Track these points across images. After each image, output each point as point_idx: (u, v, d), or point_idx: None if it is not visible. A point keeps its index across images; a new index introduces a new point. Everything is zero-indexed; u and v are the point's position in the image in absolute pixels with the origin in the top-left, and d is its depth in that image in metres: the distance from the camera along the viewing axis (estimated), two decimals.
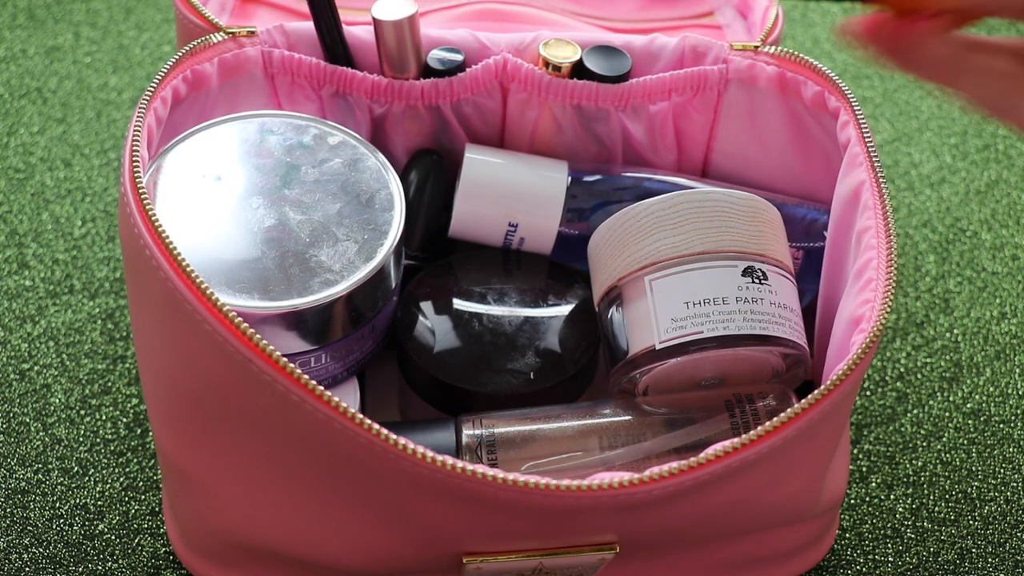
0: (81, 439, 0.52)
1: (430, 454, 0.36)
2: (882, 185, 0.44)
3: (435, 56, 0.51)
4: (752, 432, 0.38)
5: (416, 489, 0.38)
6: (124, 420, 0.53)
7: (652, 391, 0.45)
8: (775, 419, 0.38)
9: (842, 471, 0.47)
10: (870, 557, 0.50)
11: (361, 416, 0.36)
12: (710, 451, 0.38)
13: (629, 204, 0.46)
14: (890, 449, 0.54)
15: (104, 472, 0.51)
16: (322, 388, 0.36)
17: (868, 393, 0.57)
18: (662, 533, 0.41)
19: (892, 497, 0.52)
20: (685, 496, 0.38)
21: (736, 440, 0.38)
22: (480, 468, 0.36)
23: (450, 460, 0.36)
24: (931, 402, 0.56)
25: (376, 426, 0.36)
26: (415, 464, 0.36)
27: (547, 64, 0.51)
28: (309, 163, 0.47)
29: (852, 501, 0.52)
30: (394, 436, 0.36)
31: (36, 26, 0.73)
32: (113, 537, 0.49)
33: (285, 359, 0.36)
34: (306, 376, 0.36)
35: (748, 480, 0.39)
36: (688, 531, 0.41)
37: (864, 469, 0.53)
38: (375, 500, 0.39)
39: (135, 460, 0.51)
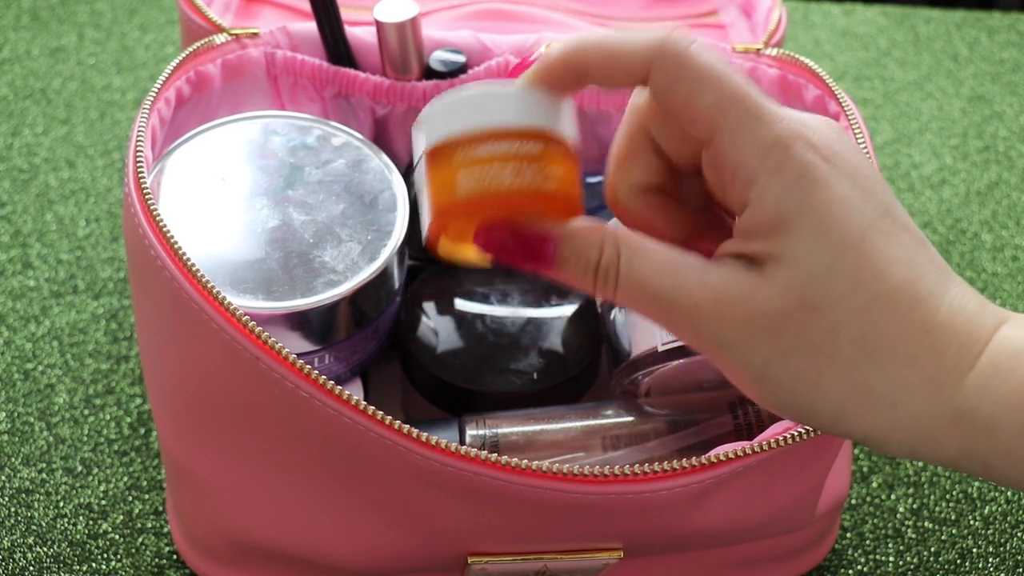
0: (85, 439, 0.52)
1: (444, 441, 0.36)
2: None
3: (437, 58, 0.51)
4: (765, 443, 0.38)
5: (425, 483, 0.38)
6: (128, 420, 0.53)
7: (655, 392, 0.46)
8: (786, 434, 0.38)
9: (844, 473, 0.47)
10: (871, 557, 0.50)
11: (373, 408, 0.36)
12: (719, 451, 0.38)
13: None
14: None
15: (108, 472, 0.51)
16: (332, 382, 0.36)
17: None
18: (665, 539, 0.41)
19: (893, 497, 0.53)
20: (691, 497, 0.38)
21: (747, 446, 0.38)
22: (492, 455, 0.37)
23: (463, 447, 0.36)
24: None
25: (389, 417, 0.36)
26: (425, 457, 0.36)
27: None
28: (313, 164, 0.47)
29: (853, 501, 0.52)
30: (407, 426, 0.36)
31: (40, 27, 0.73)
32: (117, 536, 0.49)
33: (294, 356, 0.37)
34: (316, 371, 0.36)
35: (752, 484, 0.39)
36: (690, 537, 0.41)
37: (865, 469, 0.53)
38: (383, 497, 0.39)
39: (139, 460, 0.52)
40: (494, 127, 0.32)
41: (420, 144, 0.33)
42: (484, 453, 0.36)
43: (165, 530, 0.49)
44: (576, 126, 0.34)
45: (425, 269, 0.51)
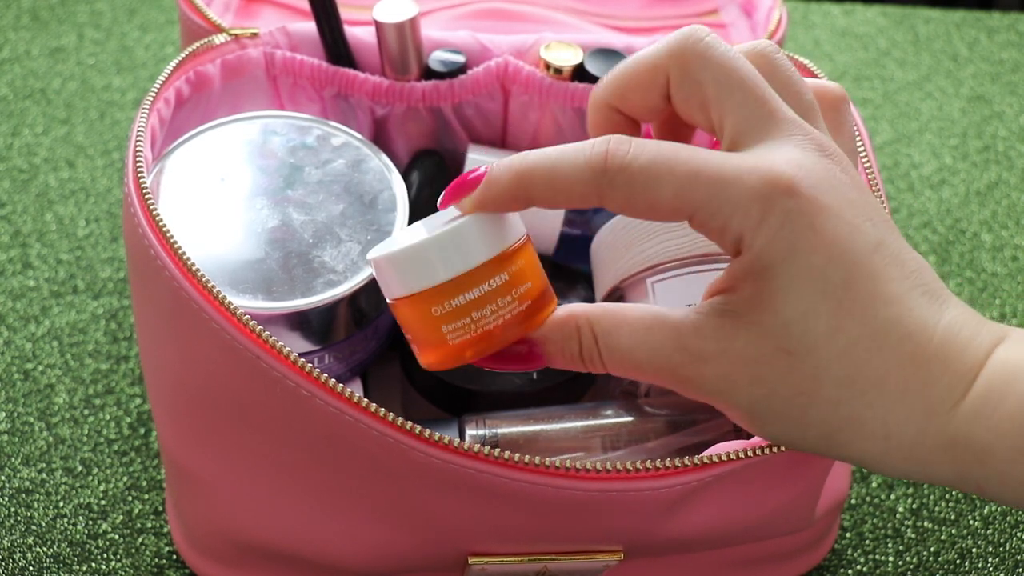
0: (84, 439, 0.52)
1: (446, 437, 0.36)
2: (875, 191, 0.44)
3: (437, 58, 0.51)
4: (762, 447, 0.38)
5: (426, 481, 0.38)
6: (127, 420, 0.53)
7: (654, 392, 0.46)
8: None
9: (844, 473, 0.47)
10: (871, 557, 0.50)
11: (375, 405, 0.36)
12: (717, 450, 0.38)
13: None
14: None
15: (107, 472, 0.51)
16: (333, 380, 0.36)
17: None
18: (664, 538, 0.41)
19: (893, 497, 0.53)
20: (687, 495, 0.38)
21: (746, 446, 0.38)
22: (494, 451, 0.37)
23: (464, 443, 0.36)
24: None
25: (391, 414, 0.36)
26: (427, 454, 0.36)
27: (548, 67, 0.51)
28: (312, 164, 0.47)
29: (853, 501, 0.52)
30: (409, 423, 0.36)
31: (40, 27, 0.73)
32: (117, 536, 0.49)
33: (296, 354, 0.36)
34: (316, 370, 0.36)
35: (748, 484, 0.39)
36: (688, 537, 0.41)
37: (865, 469, 0.53)
38: (383, 497, 0.39)
39: (138, 460, 0.52)
40: (459, 274, 0.33)
41: (386, 285, 0.35)
42: (487, 448, 0.36)
43: (165, 530, 0.49)
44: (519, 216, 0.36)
45: None
